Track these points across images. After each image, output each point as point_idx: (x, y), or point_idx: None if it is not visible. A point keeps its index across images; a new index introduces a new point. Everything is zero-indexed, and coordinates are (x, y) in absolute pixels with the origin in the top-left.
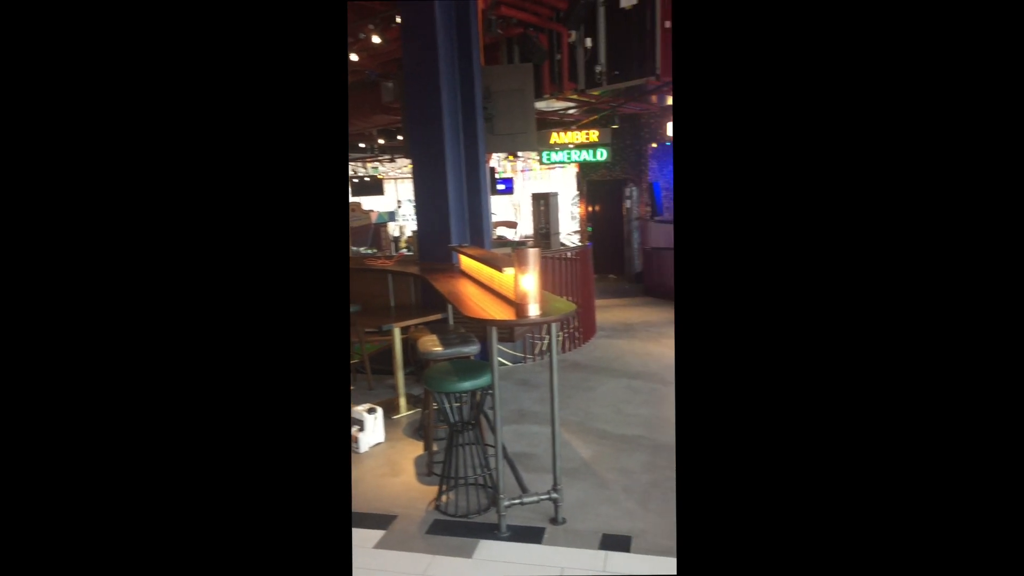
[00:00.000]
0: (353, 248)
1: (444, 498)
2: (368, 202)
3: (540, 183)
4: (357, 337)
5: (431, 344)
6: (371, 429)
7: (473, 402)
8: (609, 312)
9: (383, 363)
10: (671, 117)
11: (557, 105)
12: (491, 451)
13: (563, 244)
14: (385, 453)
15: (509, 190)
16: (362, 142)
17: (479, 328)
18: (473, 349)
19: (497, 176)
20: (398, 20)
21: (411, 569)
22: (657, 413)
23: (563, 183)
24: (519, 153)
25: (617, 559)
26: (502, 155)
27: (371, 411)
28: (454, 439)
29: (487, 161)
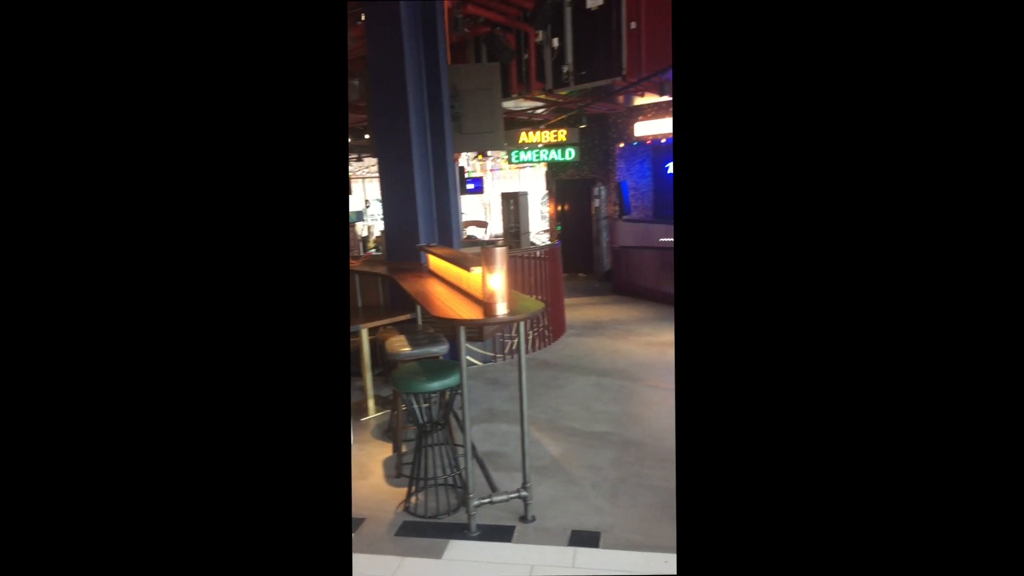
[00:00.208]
0: None
1: (413, 499)
2: None
3: (510, 182)
4: None
5: (399, 344)
6: None
7: (442, 402)
8: (578, 310)
9: (351, 365)
10: (638, 117)
11: (525, 105)
12: (460, 451)
13: (533, 243)
14: (354, 456)
15: (479, 189)
16: None
17: (448, 328)
18: (442, 349)
19: (467, 175)
20: (363, 18)
21: (380, 572)
22: (625, 410)
23: (533, 182)
24: (488, 152)
25: (586, 555)
26: (471, 154)
27: None
28: (423, 440)
29: (456, 160)
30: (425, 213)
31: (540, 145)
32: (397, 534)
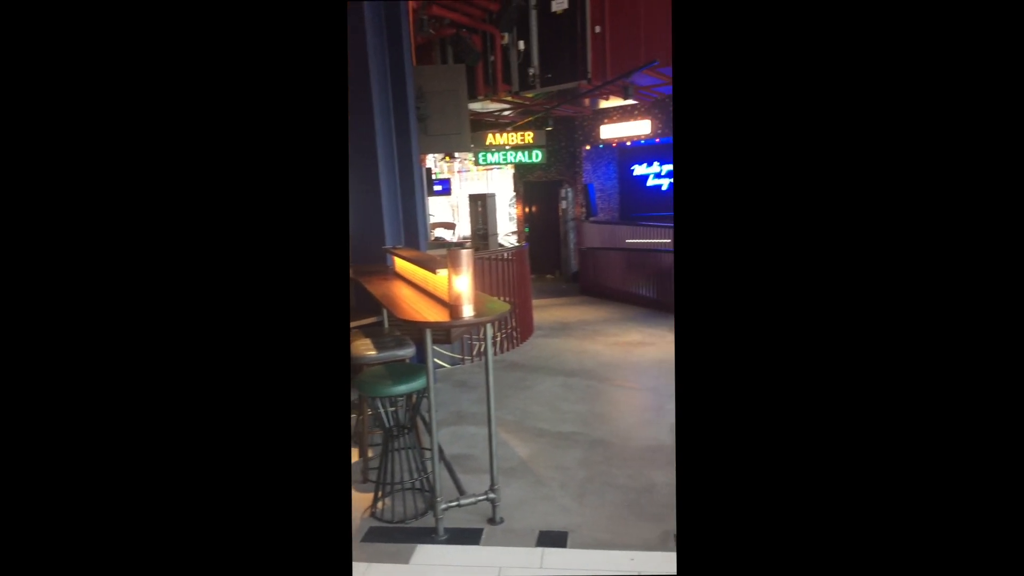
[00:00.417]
0: None
1: (380, 504)
2: None
3: (478, 184)
4: None
5: (364, 348)
6: None
7: (409, 405)
8: (546, 311)
9: None
10: (604, 120)
11: (492, 106)
12: (428, 454)
13: (501, 245)
14: None
15: (446, 191)
16: None
17: (414, 331)
18: (408, 352)
19: (434, 177)
20: None
21: None
22: (592, 409)
23: (500, 184)
24: (456, 154)
25: (554, 555)
26: (439, 156)
27: None
28: (389, 444)
29: (422, 162)
30: (391, 215)
31: (507, 147)
32: (363, 540)
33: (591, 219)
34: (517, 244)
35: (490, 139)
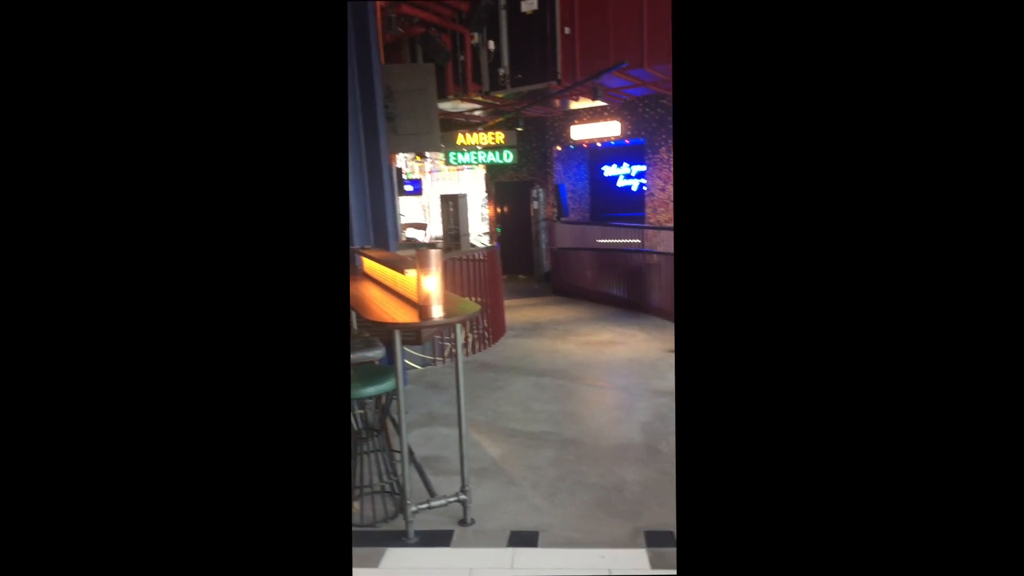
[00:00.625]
0: None
1: None
2: None
3: (449, 184)
4: None
5: None
6: None
7: (378, 407)
8: (518, 312)
9: None
10: (574, 121)
11: (463, 106)
12: (398, 457)
13: (473, 245)
14: None
15: (417, 191)
16: None
17: (383, 332)
18: (378, 353)
19: (405, 177)
20: None
21: None
22: (564, 408)
23: (472, 184)
24: (427, 154)
25: (524, 555)
26: (410, 156)
27: None
28: (359, 446)
29: (392, 162)
30: (359, 215)
31: (479, 147)
32: None
33: (563, 219)
34: (489, 244)
35: (461, 139)
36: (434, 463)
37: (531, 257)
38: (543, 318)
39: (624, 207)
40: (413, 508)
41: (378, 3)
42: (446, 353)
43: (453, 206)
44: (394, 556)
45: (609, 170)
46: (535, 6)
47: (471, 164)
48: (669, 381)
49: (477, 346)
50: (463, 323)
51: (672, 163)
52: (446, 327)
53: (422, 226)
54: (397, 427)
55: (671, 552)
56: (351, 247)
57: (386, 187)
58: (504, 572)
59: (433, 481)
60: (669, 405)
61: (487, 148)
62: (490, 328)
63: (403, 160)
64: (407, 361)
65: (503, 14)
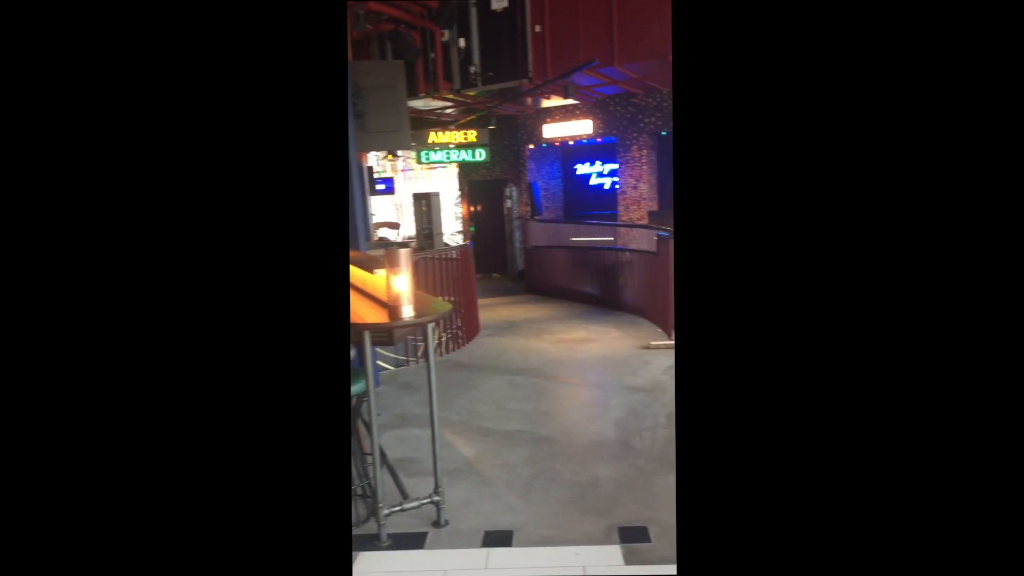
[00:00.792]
0: None
1: None
2: None
3: (422, 183)
4: None
5: None
6: None
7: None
8: (493, 310)
9: None
10: (547, 119)
11: (434, 104)
12: (370, 459)
13: (447, 244)
14: None
15: (390, 190)
16: None
17: (354, 333)
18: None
19: (376, 176)
20: None
21: None
22: (538, 407)
23: (445, 183)
24: (399, 152)
25: (499, 555)
26: (381, 154)
27: None
28: None
29: (363, 160)
30: None
31: (451, 145)
32: None
33: (536, 218)
34: (463, 243)
35: (433, 137)
36: (407, 464)
37: (505, 255)
38: (517, 316)
39: (597, 205)
40: (385, 511)
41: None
42: (419, 353)
43: (426, 205)
44: (367, 560)
45: (582, 168)
46: (505, 3)
47: (443, 163)
48: (642, 378)
49: (451, 345)
50: (435, 323)
51: (643, 161)
52: (418, 327)
53: (395, 225)
54: (368, 429)
55: (644, 547)
56: None
57: (355, 186)
58: (478, 573)
59: (407, 483)
60: (642, 401)
61: (459, 146)
62: (464, 327)
63: (375, 158)
64: (380, 362)
65: (473, 11)
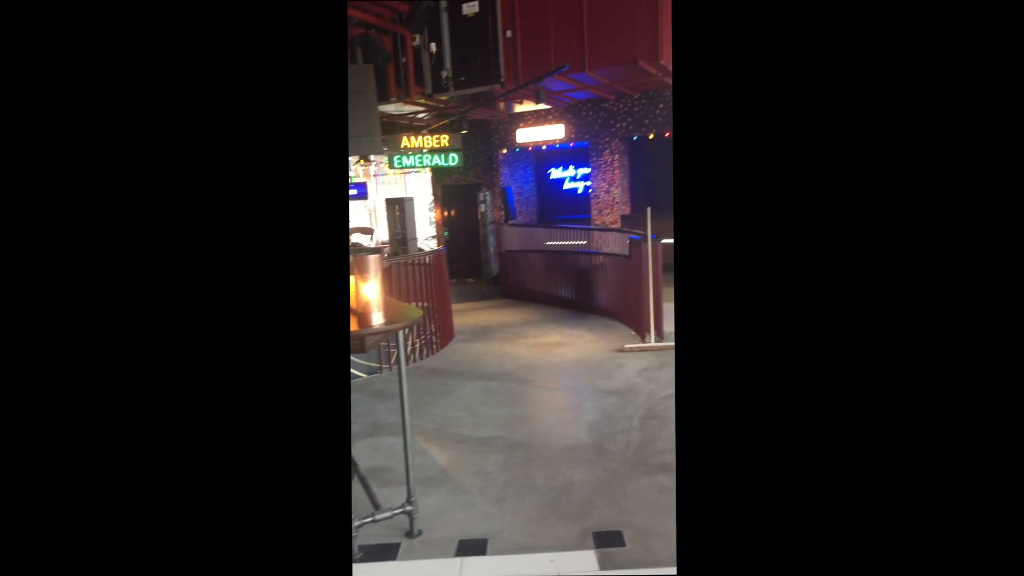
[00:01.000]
0: None
1: None
2: None
3: (395, 188)
4: None
5: None
6: None
7: None
8: (467, 315)
9: None
10: (519, 124)
11: (406, 109)
12: None
13: (421, 249)
14: None
15: (363, 195)
16: None
17: None
18: None
19: (349, 181)
20: None
21: None
22: (513, 412)
23: (419, 188)
24: (372, 157)
25: (473, 564)
26: (354, 159)
27: None
28: None
29: None
30: None
31: (424, 150)
32: None
33: (510, 222)
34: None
35: (405, 142)
36: (381, 474)
37: (479, 260)
38: (492, 321)
39: (570, 209)
40: (357, 523)
41: None
42: (392, 360)
43: (399, 210)
44: None
45: (555, 173)
46: (476, 8)
47: (416, 167)
48: (616, 380)
49: (425, 352)
50: (406, 329)
51: (616, 165)
52: (389, 334)
53: (368, 231)
54: None
55: (618, 552)
56: None
57: None
58: None
59: (380, 492)
60: (616, 404)
61: (432, 151)
62: (438, 333)
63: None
64: (352, 370)
65: (444, 16)
